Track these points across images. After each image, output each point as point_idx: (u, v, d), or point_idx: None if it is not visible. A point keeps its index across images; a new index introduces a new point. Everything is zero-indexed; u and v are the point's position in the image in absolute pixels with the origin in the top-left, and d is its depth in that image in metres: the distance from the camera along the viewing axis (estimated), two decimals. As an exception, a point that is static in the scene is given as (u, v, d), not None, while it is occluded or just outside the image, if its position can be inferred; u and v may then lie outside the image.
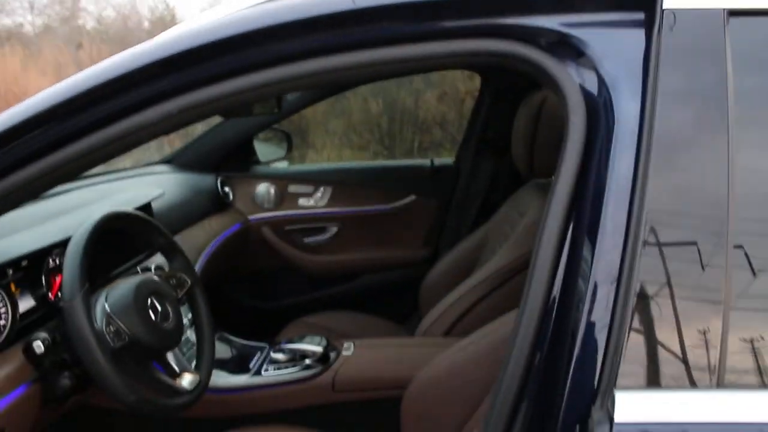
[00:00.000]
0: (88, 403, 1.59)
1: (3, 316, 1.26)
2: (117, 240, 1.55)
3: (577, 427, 0.74)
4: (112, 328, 1.25)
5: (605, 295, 0.76)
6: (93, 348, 1.18)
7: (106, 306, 1.28)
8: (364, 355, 1.80)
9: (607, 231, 0.78)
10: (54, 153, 0.93)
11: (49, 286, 1.41)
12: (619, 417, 0.71)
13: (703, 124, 0.80)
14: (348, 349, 1.81)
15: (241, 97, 0.92)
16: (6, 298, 1.27)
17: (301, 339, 1.83)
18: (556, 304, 0.81)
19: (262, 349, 1.87)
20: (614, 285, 0.76)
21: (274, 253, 2.64)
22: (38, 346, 1.24)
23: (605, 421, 0.71)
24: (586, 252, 0.79)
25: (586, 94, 0.85)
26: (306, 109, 2.74)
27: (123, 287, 1.32)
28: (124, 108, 0.91)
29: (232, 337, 1.95)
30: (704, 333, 0.74)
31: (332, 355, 1.77)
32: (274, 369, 1.76)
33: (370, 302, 2.64)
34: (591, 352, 0.76)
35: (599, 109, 0.84)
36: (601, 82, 0.84)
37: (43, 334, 1.26)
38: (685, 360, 0.74)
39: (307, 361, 1.75)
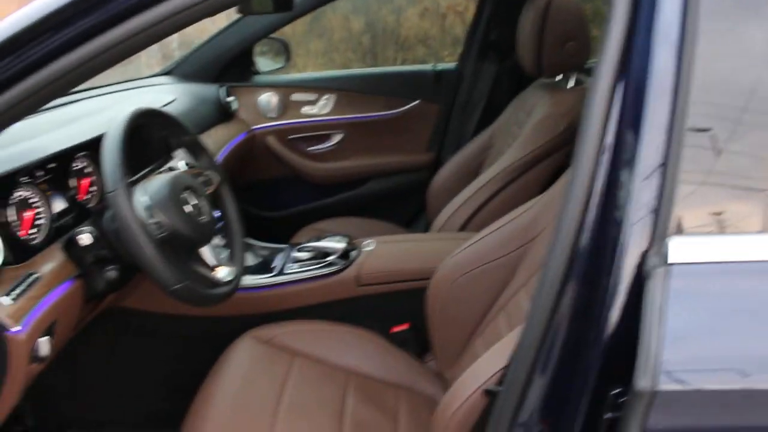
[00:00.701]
0: (121, 305, 1.63)
1: (42, 214, 1.27)
2: (140, 141, 1.55)
3: (634, 272, 0.79)
4: (153, 220, 1.28)
5: (650, 179, 0.79)
6: (140, 235, 1.21)
7: (145, 199, 1.30)
8: (385, 249, 1.85)
9: (650, 118, 0.79)
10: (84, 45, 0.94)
11: (76, 189, 1.42)
12: (673, 258, 0.76)
13: (746, 12, 0.81)
14: (369, 245, 1.85)
15: None
16: (42, 197, 1.29)
17: (321, 238, 1.86)
18: (601, 189, 0.83)
19: (283, 250, 1.91)
20: (661, 168, 0.79)
21: (279, 162, 2.65)
22: (87, 238, 1.26)
23: (661, 264, 0.76)
24: (629, 138, 0.81)
25: None
26: (286, 29, 2.68)
27: (159, 182, 1.33)
28: None
29: (251, 241, 1.98)
30: (746, 201, 0.79)
31: (353, 252, 1.82)
32: (298, 267, 1.80)
33: (375, 208, 2.68)
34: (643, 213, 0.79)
35: None
36: None
37: (89, 227, 1.28)
38: (732, 211, 0.80)
39: (330, 258, 1.79)
